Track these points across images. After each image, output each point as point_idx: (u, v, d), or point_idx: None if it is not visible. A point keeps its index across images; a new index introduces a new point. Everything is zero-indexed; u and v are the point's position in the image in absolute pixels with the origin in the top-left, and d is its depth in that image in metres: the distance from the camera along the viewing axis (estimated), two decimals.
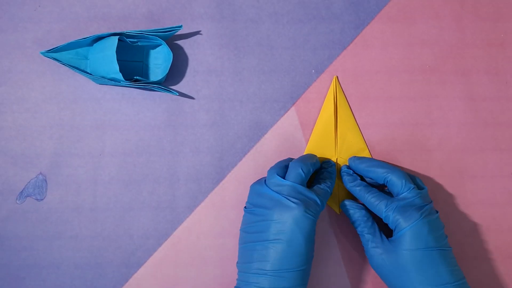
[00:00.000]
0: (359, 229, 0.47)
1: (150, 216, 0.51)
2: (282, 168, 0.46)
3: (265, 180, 0.46)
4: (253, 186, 0.47)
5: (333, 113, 0.52)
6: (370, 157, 0.52)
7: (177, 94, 0.50)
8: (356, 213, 0.47)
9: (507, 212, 0.52)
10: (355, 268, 0.51)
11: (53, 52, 0.49)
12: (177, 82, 0.52)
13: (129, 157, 0.51)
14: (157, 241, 0.51)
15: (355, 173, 0.50)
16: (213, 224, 0.51)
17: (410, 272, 0.43)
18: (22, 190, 0.51)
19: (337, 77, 0.52)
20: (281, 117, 0.52)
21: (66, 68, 0.52)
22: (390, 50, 0.53)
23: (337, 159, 0.51)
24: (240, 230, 0.46)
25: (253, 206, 0.45)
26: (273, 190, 0.44)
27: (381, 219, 0.47)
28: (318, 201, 0.44)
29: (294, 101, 0.53)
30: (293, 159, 0.49)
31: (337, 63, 0.53)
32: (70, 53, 0.50)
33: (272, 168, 0.47)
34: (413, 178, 0.48)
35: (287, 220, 0.43)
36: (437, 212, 0.46)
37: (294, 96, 0.53)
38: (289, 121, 0.52)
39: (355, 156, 0.50)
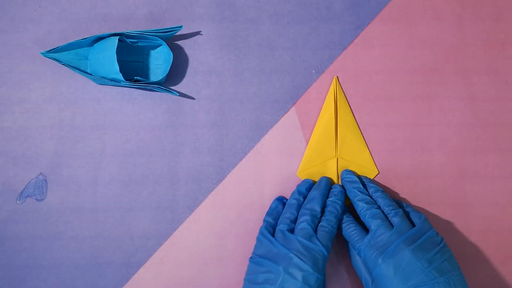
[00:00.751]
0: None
1: (150, 217, 0.51)
2: (292, 221, 0.47)
3: (272, 233, 0.47)
4: (261, 237, 0.47)
5: (333, 114, 0.52)
6: (370, 159, 0.52)
7: (178, 94, 0.50)
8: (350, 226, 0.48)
9: (507, 212, 0.52)
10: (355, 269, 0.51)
11: (54, 53, 0.49)
12: (177, 82, 0.52)
13: (129, 157, 0.51)
14: (157, 241, 0.51)
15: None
16: (213, 224, 0.51)
17: None
18: (23, 191, 0.51)
19: (337, 77, 0.52)
20: (281, 118, 0.52)
21: (67, 69, 0.52)
22: (391, 51, 0.53)
23: (337, 159, 0.51)
24: (244, 279, 0.46)
25: (260, 258, 0.45)
26: (282, 245, 0.45)
27: None
28: (325, 253, 0.44)
29: (294, 101, 0.53)
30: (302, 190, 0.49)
31: (337, 63, 0.53)
32: (70, 54, 0.50)
33: (279, 222, 0.47)
34: (406, 212, 0.48)
35: (296, 278, 0.43)
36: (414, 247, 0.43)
37: (294, 96, 0.53)
38: (289, 122, 0.52)
39: (344, 178, 0.50)
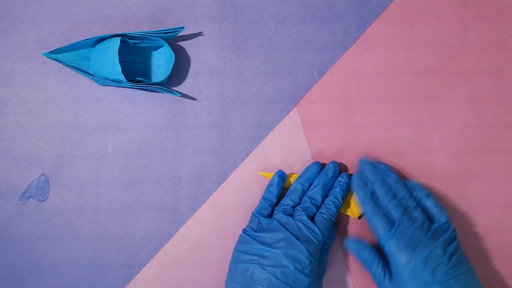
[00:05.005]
0: (366, 268, 0.47)
1: (152, 217, 0.51)
2: (292, 207, 0.48)
3: (271, 211, 0.49)
4: (258, 216, 0.48)
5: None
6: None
7: (179, 95, 0.50)
8: (363, 254, 0.47)
9: (510, 213, 0.52)
10: (356, 269, 0.51)
11: (56, 53, 0.49)
12: (179, 83, 0.52)
13: (131, 158, 0.51)
14: (159, 242, 0.51)
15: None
16: (215, 225, 0.51)
17: None
18: (25, 191, 0.51)
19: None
20: (283, 118, 0.52)
21: (69, 69, 0.52)
22: (393, 51, 0.53)
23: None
24: (235, 250, 0.47)
25: (255, 232, 0.46)
26: (280, 225, 0.46)
27: None
28: (321, 238, 0.46)
29: (296, 102, 0.53)
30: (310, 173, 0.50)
31: (339, 64, 0.53)
32: (72, 54, 0.50)
33: (281, 205, 0.49)
34: (434, 207, 0.48)
35: (290, 258, 0.44)
36: (441, 243, 0.45)
37: (296, 97, 0.53)
38: (291, 122, 0.52)
39: (367, 163, 0.50)
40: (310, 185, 0.49)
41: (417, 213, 0.47)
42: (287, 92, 0.53)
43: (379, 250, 0.48)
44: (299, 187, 0.49)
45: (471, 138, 0.52)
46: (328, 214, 0.47)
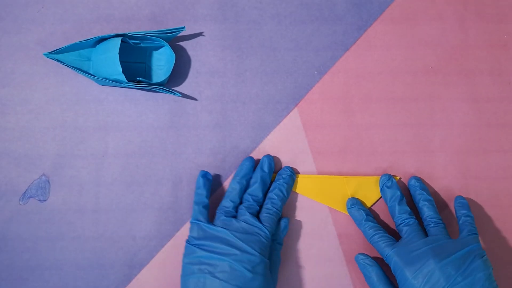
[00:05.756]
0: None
1: (153, 217, 0.51)
2: (233, 208, 0.48)
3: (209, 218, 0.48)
4: (197, 223, 0.47)
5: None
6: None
7: (180, 95, 0.50)
8: (371, 273, 0.47)
9: (510, 213, 0.52)
10: (357, 269, 0.51)
11: (56, 54, 0.49)
12: (179, 83, 0.52)
13: (132, 158, 0.51)
14: (159, 242, 0.51)
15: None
16: None
17: None
18: (25, 191, 0.51)
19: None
20: (283, 118, 0.52)
21: (69, 70, 0.52)
22: (393, 51, 0.53)
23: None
24: (183, 262, 0.46)
25: (199, 240, 0.46)
26: (224, 229, 0.45)
27: None
28: (269, 235, 0.46)
29: (297, 102, 0.53)
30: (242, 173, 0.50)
31: (339, 64, 0.53)
32: (73, 55, 0.50)
33: (221, 208, 0.48)
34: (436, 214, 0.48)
35: (242, 262, 0.44)
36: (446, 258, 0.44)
37: (297, 97, 0.53)
38: (291, 122, 0.52)
39: (419, 185, 0.50)
40: (247, 182, 0.49)
41: (433, 230, 0.46)
42: (288, 92, 0.53)
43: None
44: (237, 186, 0.48)
45: (471, 138, 0.53)
46: (274, 208, 0.47)
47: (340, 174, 0.52)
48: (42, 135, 0.51)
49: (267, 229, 0.46)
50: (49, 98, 0.52)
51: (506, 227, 0.52)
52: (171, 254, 0.50)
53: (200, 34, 0.53)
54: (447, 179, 0.52)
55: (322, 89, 0.53)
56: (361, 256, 0.48)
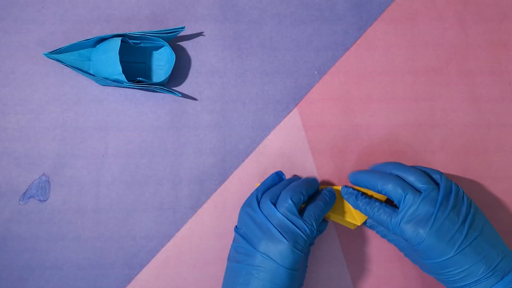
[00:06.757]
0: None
1: (153, 217, 0.51)
2: (276, 195, 0.45)
3: (258, 203, 0.45)
4: (245, 208, 0.46)
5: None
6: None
7: (180, 95, 0.50)
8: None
9: (510, 213, 0.52)
10: (357, 269, 0.51)
11: (57, 54, 0.49)
12: (180, 83, 0.53)
13: (132, 158, 0.51)
14: (159, 242, 0.51)
15: (356, 188, 0.48)
16: (216, 225, 0.51)
17: (437, 274, 0.44)
18: (25, 191, 0.51)
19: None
20: (283, 118, 0.52)
21: (70, 70, 0.52)
22: (393, 51, 0.53)
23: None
24: (231, 246, 0.46)
25: (244, 229, 0.45)
26: (266, 217, 0.44)
27: None
28: (308, 231, 0.44)
29: (297, 102, 0.53)
30: (296, 178, 0.49)
31: (340, 64, 0.53)
32: (73, 55, 0.50)
33: (265, 194, 0.46)
34: (425, 173, 0.46)
35: (273, 253, 0.43)
36: (451, 205, 0.43)
37: (297, 97, 0.53)
38: (292, 122, 0.52)
39: (353, 171, 0.49)
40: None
41: (420, 185, 0.44)
42: (288, 92, 0.53)
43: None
44: (290, 180, 0.48)
45: (471, 138, 0.53)
46: (317, 209, 0.45)
47: (340, 174, 0.52)
48: (42, 135, 0.51)
49: (307, 225, 0.44)
50: (49, 98, 0.52)
51: (506, 227, 0.52)
52: (171, 254, 0.51)
53: (200, 34, 0.53)
54: None
55: (322, 89, 0.53)
56: (345, 189, 0.47)
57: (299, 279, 0.45)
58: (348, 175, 0.49)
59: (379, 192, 0.46)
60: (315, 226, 0.44)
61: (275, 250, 0.43)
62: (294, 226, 0.43)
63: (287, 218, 0.43)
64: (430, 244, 0.42)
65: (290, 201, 0.44)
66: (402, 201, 0.44)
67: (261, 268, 0.43)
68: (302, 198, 0.45)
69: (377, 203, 0.46)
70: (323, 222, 0.49)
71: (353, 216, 0.48)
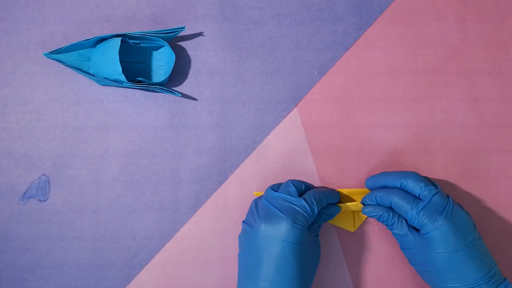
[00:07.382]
0: (388, 227, 0.47)
1: (153, 217, 0.51)
2: (280, 185, 0.48)
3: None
4: (253, 202, 0.48)
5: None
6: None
7: (180, 95, 0.50)
8: (380, 212, 0.47)
9: (510, 213, 0.52)
10: (357, 269, 0.51)
11: (56, 54, 0.49)
12: (179, 83, 0.53)
13: (132, 158, 0.51)
14: (159, 242, 0.51)
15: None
16: (216, 225, 0.51)
17: (440, 270, 0.44)
18: (25, 191, 0.51)
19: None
20: (283, 118, 0.52)
21: (69, 70, 0.52)
22: (393, 51, 0.53)
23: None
24: (238, 236, 0.47)
25: (249, 217, 0.47)
26: (267, 200, 0.46)
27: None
28: (308, 208, 0.44)
29: (297, 102, 0.53)
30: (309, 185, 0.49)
31: (340, 64, 0.53)
32: (73, 55, 0.50)
33: (270, 185, 0.48)
34: (426, 178, 0.48)
35: (275, 230, 0.44)
36: (458, 205, 0.46)
37: (297, 97, 0.53)
38: (291, 122, 0.52)
39: (370, 176, 0.50)
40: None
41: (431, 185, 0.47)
42: (288, 92, 0.53)
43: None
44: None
45: (471, 138, 0.53)
46: (319, 193, 0.46)
47: (340, 174, 0.52)
48: (42, 135, 0.51)
49: (306, 202, 0.45)
50: (49, 98, 0.52)
51: (506, 227, 0.52)
52: (171, 254, 0.51)
53: (200, 34, 0.53)
54: (447, 179, 0.52)
55: (322, 89, 0.53)
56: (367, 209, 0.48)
57: (310, 256, 0.45)
58: (365, 181, 0.50)
59: (398, 184, 0.47)
60: (315, 204, 0.45)
61: (276, 228, 0.44)
62: (292, 204, 0.45)
63: (285, 199, 0.45)
64: (445, 231, 0.43)
65: (291, 185, 0.46)
66: (421, 192, 0.45)
67: (266, 248, 0.43)
68: (304, 186, 0.47)
69: (396, 190, 0.47)
70: (333, 206, 0.49)
71: (347, 224, 0.50)
